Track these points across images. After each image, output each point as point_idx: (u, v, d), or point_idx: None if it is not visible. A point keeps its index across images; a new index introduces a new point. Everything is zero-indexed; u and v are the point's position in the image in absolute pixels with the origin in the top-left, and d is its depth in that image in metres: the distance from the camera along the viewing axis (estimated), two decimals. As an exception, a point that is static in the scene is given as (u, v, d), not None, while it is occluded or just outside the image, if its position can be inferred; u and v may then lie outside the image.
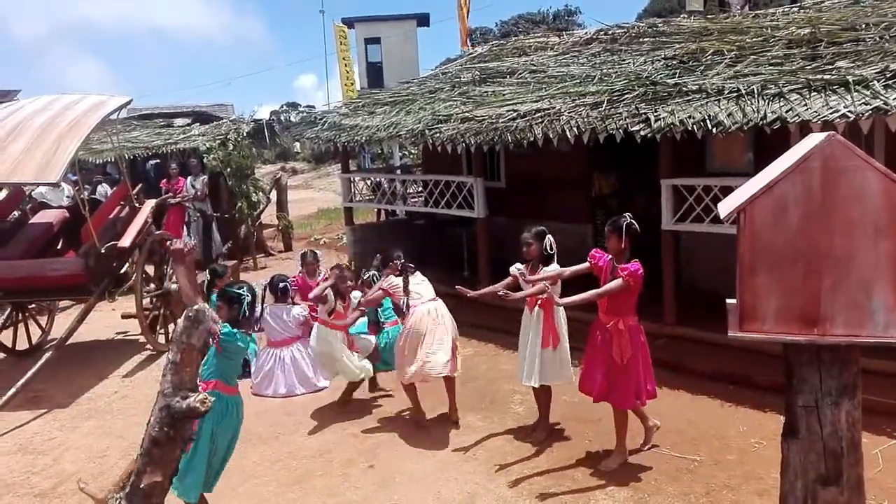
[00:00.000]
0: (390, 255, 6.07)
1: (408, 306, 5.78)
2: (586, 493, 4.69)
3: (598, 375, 4.99)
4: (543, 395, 5.59)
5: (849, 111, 5.45)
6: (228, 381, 4.10)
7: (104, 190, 12.03)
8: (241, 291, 4.19)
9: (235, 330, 3.95)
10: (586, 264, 5.09)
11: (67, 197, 10.22)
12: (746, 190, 2.61)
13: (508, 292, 5.13)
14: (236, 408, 4.14)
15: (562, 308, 5.34)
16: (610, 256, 4.91)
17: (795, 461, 2.59)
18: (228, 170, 12.74)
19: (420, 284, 5.95)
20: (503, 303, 5.38)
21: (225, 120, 15.70)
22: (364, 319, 7.47)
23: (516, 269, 5.52)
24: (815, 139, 2.49)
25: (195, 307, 2.81)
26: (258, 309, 4.27)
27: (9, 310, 8.35)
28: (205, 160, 12.84)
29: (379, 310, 7.43)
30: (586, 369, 5.16)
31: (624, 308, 4.85)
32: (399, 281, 5.85)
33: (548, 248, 5.35)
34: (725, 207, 2.69)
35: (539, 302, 5.36)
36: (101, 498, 3.32)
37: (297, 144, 26.77)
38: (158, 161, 14.09)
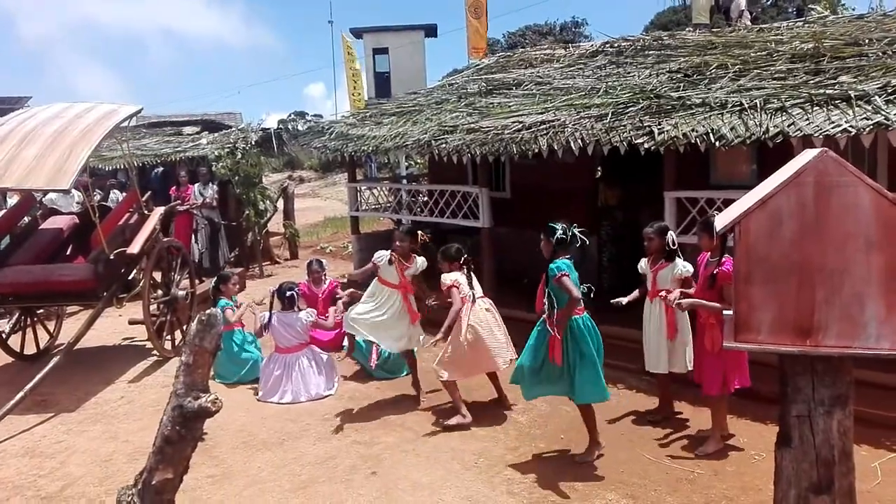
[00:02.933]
0: (451, 249, 6.46)
1: (473, 300, 6.20)
2: (586, 502, 4.73)
3: (702, 362, 5.40)
4: (664, 380, 6.03)
5: (850, 126, 5.51)
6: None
7: (116, 196, 12.15)
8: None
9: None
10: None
11: (77, 203, 10.34)
12: (742, 204, 2.68)
13: (681, 302, 5.26)
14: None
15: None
16: (707, 252, 5.32)
17: (789, 470, 2.64)
18: (237, 178, 12.85)
19: (474, 280, 6.44)
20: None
21: (233, 128, 15.84)
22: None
23: (642, 266, 6.01)
24: (808, 155, 2.56)
25: (207, 311, 2.89)
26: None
27: (17, 314, 8.44)
28: (213, 168, 12.97)
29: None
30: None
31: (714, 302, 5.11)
32: (463, 276, 6.29)
33: (670, 243, 5.74)
34: (722, 220, 2.75)
35: (661, 294, 5.77)
36: None
37: (304, 156, 26.90)
38: (164, 169, 14.21)
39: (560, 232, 5.28)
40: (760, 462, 5.11)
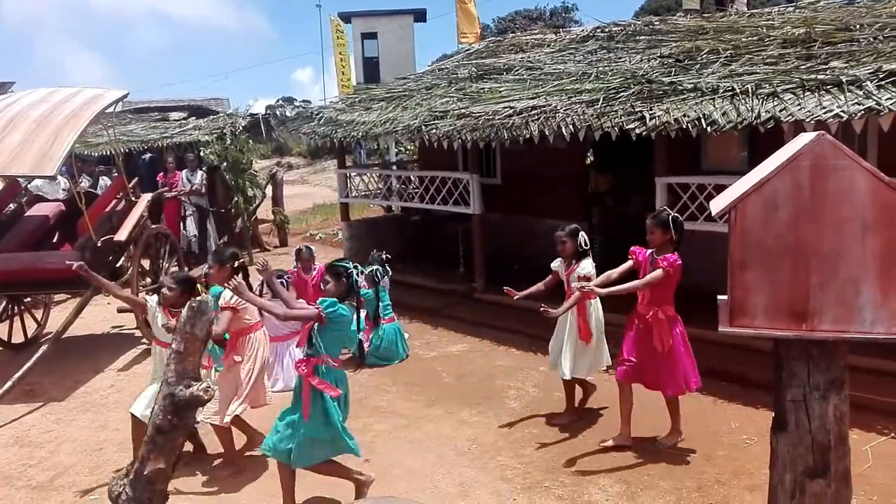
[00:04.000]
0: (225, 252, 5.48)
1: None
2: (579, 487, 4.75)
3: (645, 366, 5.16)
4: (571, 386, 5.83)
5: (842, 111, 5.50)
6: (335, 354, 4.39)
7: (105, 182, 12.02)
8: (347, 265, 4.43)
9: (334, 299, 4.22)
10: (629, 263, 5.22)
11: (63, 190, 10.22)
12: (738, 188, 2.66)
13: (549, 309, 5.13)
14: (344, 379, 4.52)
15: (598, 305, 5.65)
16: (650, 251, 5.08)
17: (784, 454, 2.64)
18: (225, 164, 12.75)
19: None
20: (554, 317, 5.40)
21: (221, 114, 15.69)
22: (361, 314, 7.53)
23: (556, 265, 5.75)
24: (805, 138, 2.54)
25: (198, 298, 2.85)
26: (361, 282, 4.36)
27: (4, 303, 8.35)
28: (202, 154, 12.86)
29: (380, 305, 7.50)
30: (628, 359, 5.25)
31: (662, 298, 5.02)
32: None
33: (582, 244, 5.56)
34: (717, 205, 2.74)
35: (574, 296, 5.50)
36: None
37: (293, 142, 26.74)
38: (152, 155, 14.08)
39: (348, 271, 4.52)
40: (752, 446, 5.14)
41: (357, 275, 4.43)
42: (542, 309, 5.17)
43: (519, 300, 5.67)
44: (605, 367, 5.83)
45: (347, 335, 4.47)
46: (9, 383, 6.43)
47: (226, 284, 4.80)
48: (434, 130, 8.54)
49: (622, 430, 5.32)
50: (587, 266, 5.50)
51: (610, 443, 5.30)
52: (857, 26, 7.22)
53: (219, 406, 5.12)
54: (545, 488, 4.76)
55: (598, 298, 5.49)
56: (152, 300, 5.20)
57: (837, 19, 7.65)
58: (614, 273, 5.22)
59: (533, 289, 5.74)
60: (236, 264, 5.22)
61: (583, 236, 5.58)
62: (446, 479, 4.94)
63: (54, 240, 8.48)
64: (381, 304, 7.55)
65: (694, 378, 5.15)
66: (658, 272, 4.88)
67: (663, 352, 5.03)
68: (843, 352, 2.60)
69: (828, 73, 6.12)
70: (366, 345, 7.35)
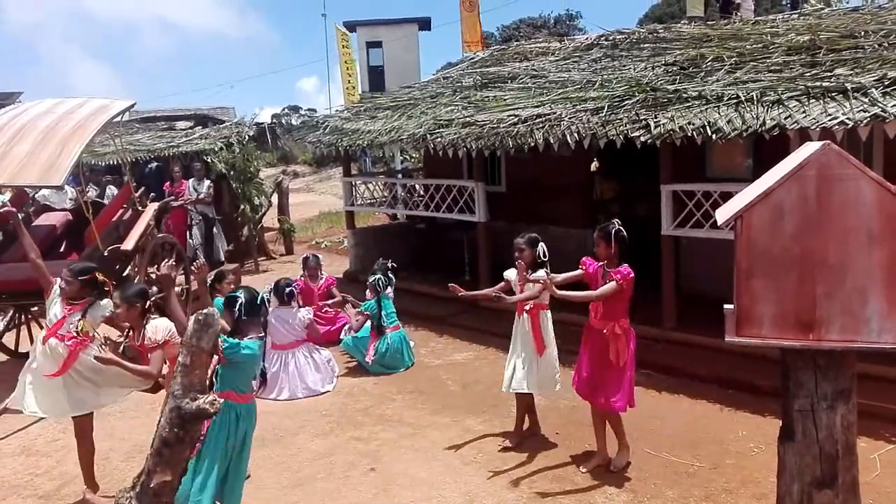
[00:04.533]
0: (132, 290, 5.05)
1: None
2: (586, 495, 4.73)
3: (597, 381, 5.00)
4: (523, 400, 5.63)
5: (847, 118, 5.50)
6: (240, 389, 4.08)
7: (111, 192, 12.07)
8: (235, 294, 4.17)
9: (236, 340, 3.92)
10: (579, 271, 5.09)
11: (70, 199, 10.26)
12: (744, 197, 2.66)
13: (502, 295, 5.15)
14: (247, 414, 4.12)
15: (549, 315, 5.47)
16: (600, 263, 4.94)
17: (791, 464, 2.64)
18: (232, 172, 12.80)
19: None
20: (504, 307, 5.38)
21: (227, 123, 15.75)
22: (367, 324, 7.56)
23: (509, 274, 5.57)
24: (810, 148, 2.54)
25: (204, 311, 2.86)
26: (264, 309, 4.20)
27: (11, 312, 8.38)
28: (209, 162, 12.91)
29: (383, 314, 7.51)
30: (580, 373, 5.16)
31: (617, 312, 4.90)
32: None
33: (541, 255, 5.36)
34: (723, 214, 2.74)
35: (527, 308, 5.41)
36: None
37: (298, 150, 26.83)
38: (158, 164, 14.13)
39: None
40: (759, 454, 5.12)
41: (266, 299, 4.17)
42: (494, 296, 5.27)
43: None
44: (556, 388, 5.62)
45: (252, 369, 4.18)
46: (16, 392, 6.44)
47: (97, 354, 4.55)
48: (439, 139, 8.57)
49: (598, 448, 5.19)
50: (541, 274, 5.12)
51: (587, 468, 5.11)
52: (862, 33, 7.22)
53: None
54: (552, 497, 4.74)
55: (549, 313, 5.45)
56: (56, 285, 4.94)
57: (842, 26, 7.65)
58: (559, 277, 5.08)
59: (481, 293, 5.74)
60: (147, 304, 4.83)
61: (542, 246, 5.37)
62: (452, 488, 4.93)
63: (62, 249, 8.51)
64: (384, 312, 7.54)
65: (631, 393, 5.01)
66: (611, 285, 4.76)
67: (616, 366, 4.87)
68: (851, 361, 2.59)
69: (833, 80, 6.12)
70: (370, 353, 7.36)
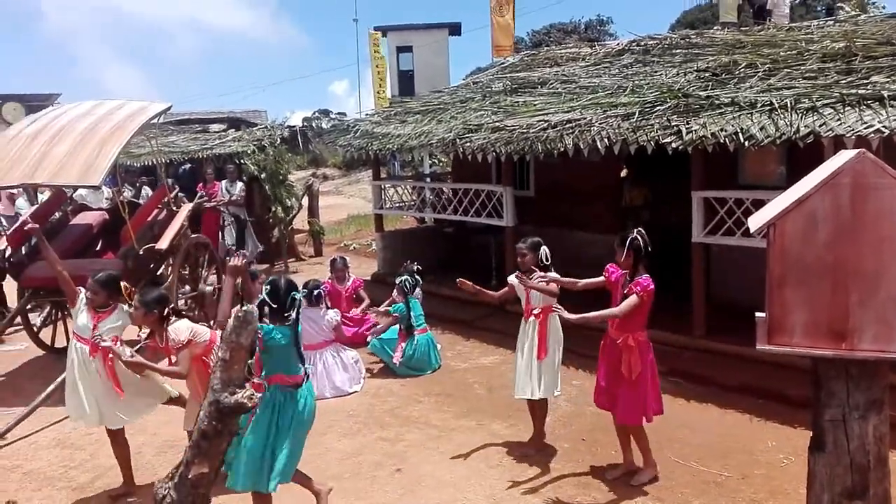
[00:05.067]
0: (152, 294, 4.87)
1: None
2: (612, 503, 4.72)
3: (613, 391, 4.95)
4: (539, 407, 5.60)
5: (883, 126, 5.43)
6: (288, 371, 4.27)
7: (146, 192, 12.31)
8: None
9: (270, 325, 4.12)
10: (601, 278, 5.04)
11: (107, 199, 10.48)
12: (777, 205, 2.65)
13: (570, 317, 4.82)
14: (298, 397, 4.26)
15: (558, 320, 5.36)
16: (623, 271, 4.85)
17: (822, 475, 2.61)
18: (264, 175, 12.98)
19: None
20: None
21: (259, 126, 15.96)
22: (395, 326, 7.61)
23: (513, 279, 5.50)
24: (845, 156, 2.52)
25: (244, 308, 2.93)
26: (293, 299, 4.28)
27: (48, 308, 8.59)
28: (242, 165, 13.10)
29: (412, 315, 7.56)
30: (598, 383, 5.11)
31: (634, 324, 4.79)
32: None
33: (543, 258, 5.35)
34: (756, 221, 2.73)
35: (535, 312, 5.39)
36: None
37: (328, 153, 27.04)
38: (192, 165, 14.37)
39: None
40: (789, 466, 5.06)
41: (269, 291, 4.26)
42: (459, 281, 5.54)
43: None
44: (554, 396, 5.61)
45: (290, 353, 4.31)
46: (52, 386, 6.59)
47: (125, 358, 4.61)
48: (468, 143, 8.60)
49: (624, 458, 5.14)
50: (553, 274, 5.24)
51: (613, 475, 5.08)
52: (900, 40, 7.11)
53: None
54: (576, 503, 4.74)
55: (556, 317, 5.25)
56: (83, 294, 5.05)
57: (879, 33, 7.54)
58: (580, 282, 5.10)
59: (488, 292, 5.77)
60: (166, 311, 4.75)
61: (544, 250, 5.36)
62: (477, 491, 4.95)
63: (98, 248, 8.71)
64: (412, 314, 7.61)
65: (655, 407, 4.93)
66: (632, 299, 4.66)
67: (629, 379, 4.79)
68: (885, 371, 2.56)
69: (869, 87, 6.04)
70: (398, 354, 7.41)
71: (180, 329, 4.68)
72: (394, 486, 5.08)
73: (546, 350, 5.35)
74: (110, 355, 4.74)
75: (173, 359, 4.63)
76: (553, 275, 5.23)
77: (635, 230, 4.86)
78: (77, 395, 5.07)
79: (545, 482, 5.04)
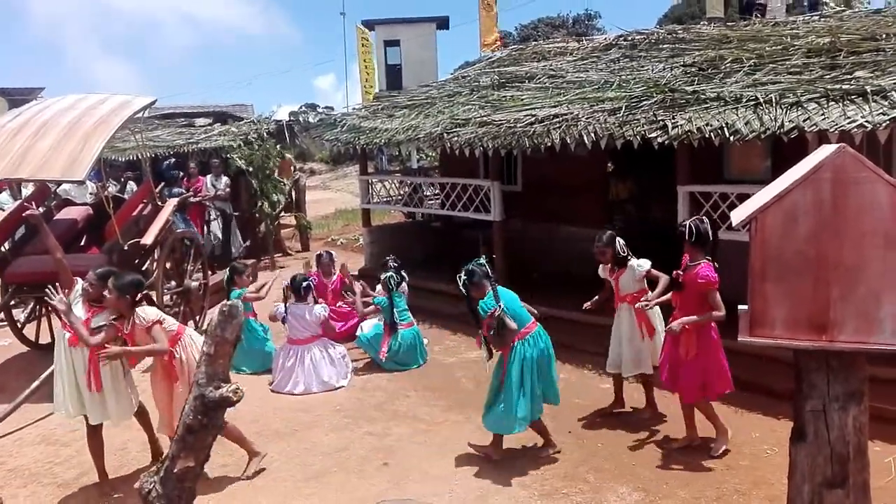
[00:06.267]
0: (125, 279, 4.95)
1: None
2: (598, 495, 4.75)
3: (677, 371, 5.24)
4: (643, 382, 6.03)
5: (866, 121, 5.47)
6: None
7: (132, 187, 12.22)
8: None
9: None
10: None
11: (91, 194, 10.41)
12: (759, 199, 2.67)
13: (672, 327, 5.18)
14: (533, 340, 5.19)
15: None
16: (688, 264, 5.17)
17: (803, 465, 2.65)
18: (251, 169, 12.91)
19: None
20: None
21: (245, 120, 15.88)
22: (379, 323, 7.61)
23: (602, 272, 6.00)
24: (826, 151, 2.55)
25: (229, 302, 2.92)
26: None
27: (32, 304, 8.52)
28: (228, 159, 13.03)
29: (395, 311, 7.55)
30: (663, 363, 5.42)
31: (692, 309, 5.07)
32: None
33: (620, 250, 5.77)
34: (738, 215, 2.75)
35: (628, 300, 5.80)
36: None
37: (315, 148, 26.97)
38: (177, 160, 14.26)
39: (469, 275, 5.17)
40: (772, 456, 5.11)
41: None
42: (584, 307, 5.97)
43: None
44: (650, 371, 5.89)
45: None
46: (36, 383, 6.55)
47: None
48: (456, 138, 8.59)
49: (688, 432, 5.39)
50: (639, 266, 5.75)
51: (677, 445, 5.39)
52: (883, 36, 7.17)
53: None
54: (563, 495, 4.77)
55: (647, 297, 5.71)
56: (79, 285, 5.05)
57: (863, 28, 7.60)
58: (653, 299, 5.61)
59: (598, 298, 6.08)
60: (138, 296, 4.83)
61: (620, 242, 5.77)
62: (465, 484, 4.97)
63: (82, 243, 8.63)
64: (396, 310, 7.57)
65: (720, 385, 5.18)
66: (714, 295, 5.00)
67: (686, 358, 5.09)
68: (863, 363, 2.59)
69: (853, 82, 6.08)
70: (384, 349, 7.41)
71: (148, 310, 4.77)
72: (381, 479, 5.09)
73: (653, 329, 5.79)
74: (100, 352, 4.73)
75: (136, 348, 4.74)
76: (645, 265, 5.75)
77: (694, 218, 5.24)
78: (60, 385, 5.06)
79: (532, 475, 5.07)
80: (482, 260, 5.36)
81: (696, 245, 5.05)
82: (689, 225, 5.06)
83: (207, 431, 2.80)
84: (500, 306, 5.04)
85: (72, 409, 5.07)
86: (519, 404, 5.13)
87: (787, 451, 2.89)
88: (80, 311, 4.98)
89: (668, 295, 5.39)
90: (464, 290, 5.17)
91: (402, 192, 11.57)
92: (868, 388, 2.63)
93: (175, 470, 2.75)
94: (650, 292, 5.76)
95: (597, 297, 6.07)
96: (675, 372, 5.23)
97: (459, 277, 5.14)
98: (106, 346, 4.72)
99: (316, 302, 7.37)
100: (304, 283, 7.26)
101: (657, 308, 5.77)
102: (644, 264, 5.78)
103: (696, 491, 4.75)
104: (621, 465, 5.15)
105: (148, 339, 4.76)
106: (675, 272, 5.15)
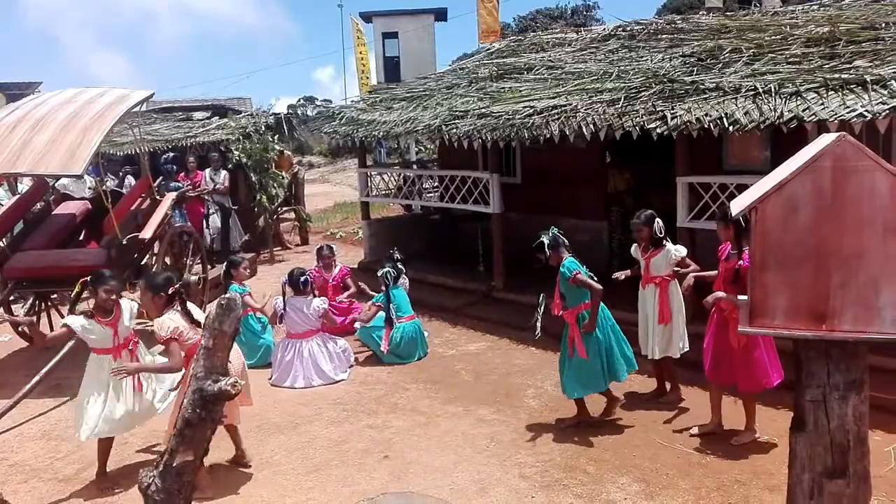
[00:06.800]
0: (157, 279, 5.08)
1: None
2: (598, 486, 4.76)
3: (722, 360, 5.22)
4: (666, 365, 6.10)
5: (866, 111, 5.46)
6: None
7: (130, 182, 12.20)
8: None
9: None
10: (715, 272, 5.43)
11: (90, 189, 10.39)
12: (758, 189, 2.66)
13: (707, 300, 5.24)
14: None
15: (677, 286, 5.88)
16: (727, 245, 5.25)
17: (803, 454, 2.64)
18: (249, 163, 12.88)
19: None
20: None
21: (244, 113, 15.83)
22: (381, 314, 7.60)
23: (634, 251, 6.11)
24: (826, 139, 2.54)
25: (227, 295, 2.92)
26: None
27: (32, 299, 8.51)
28: (227, 153, 12.99)
29: (392, 306, 7.54)
30: (706, 354, 5.39)
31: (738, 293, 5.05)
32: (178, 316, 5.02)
33: (657, 231, 5.83)
34: (737, 205, 2.74)
35: (656, 280, 5.90)
36: None
37: (314, 141, 26.93)
38: (175, 154, 14.23)
39: (553, 239, 5.58)
40: (772, 446, 5.11)
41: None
42: (614, 276, 6.03)
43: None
44: (678, 355, 5.98)
45: None
46: (36, 378, 6.54)
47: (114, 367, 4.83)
48: (454, 130, 8.58)
49: (713, 418, 5.43)
50: (676, 251, 5.85)
51: (695, 430, 5.45)
52: (883, 24, 7.15)
53: None
54: (563, 486, 4.77)
55: (676, 282, 5.88)
56: (77, 322, 4.97)
57: (862, 17, 7.58)
58: (699, 274, 5.65)
59: (630, 272, 6.15)
60: (170, 290, 4.85)
61: (658, 223, 5.85)
62: (465, 476, 4.97)
63: (81, 238, 8.62)
64: (393, 304, 7.53)
65: (775, 373, 5.19)
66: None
67: (738, 347, 5.09)
68: (863, 352, 2.59)
69: (852, 72, 6.07)
70: (384, 343, 7.40)
71: (163, 325, 4.70)
72: (381, 472, 5.10)
73: (669, 315, 5.87)
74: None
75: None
76: (682, 252, 5.87)
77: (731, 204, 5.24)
78: (109, 407, 4.99)
79: (533, 466, 5.07)
80: (555, 229, 5.73)
81: (741, 233, 5.04)
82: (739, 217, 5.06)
83: (206, 425, 2.80)
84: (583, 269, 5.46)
85: (130, 423, 5.13)
86: (611, 358, 5.57)
87: (787, 441, 2.89)
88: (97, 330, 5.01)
89: (709, 274, 5.52)
90: (545, 255, 5.58)
91: (401, 185, 11.55)
92: (868, 378, 2.62)
93: (174, 464, 2.75)
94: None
95: (629, 271, 6.16)
96: (727, 361, 5.19)
97: (539, 243, 5.60)
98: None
99: (315, 296, 7.36)
100: (302, 278, 7.24)
101: (680, 295, 5.88)
102: (681, 250, 5.90)
103: (696, 481, 4.75)
104: (621, 456, 5.16)
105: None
106: (733, 261, 5.10)
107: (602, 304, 5.53)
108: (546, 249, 5.55)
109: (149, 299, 4.82)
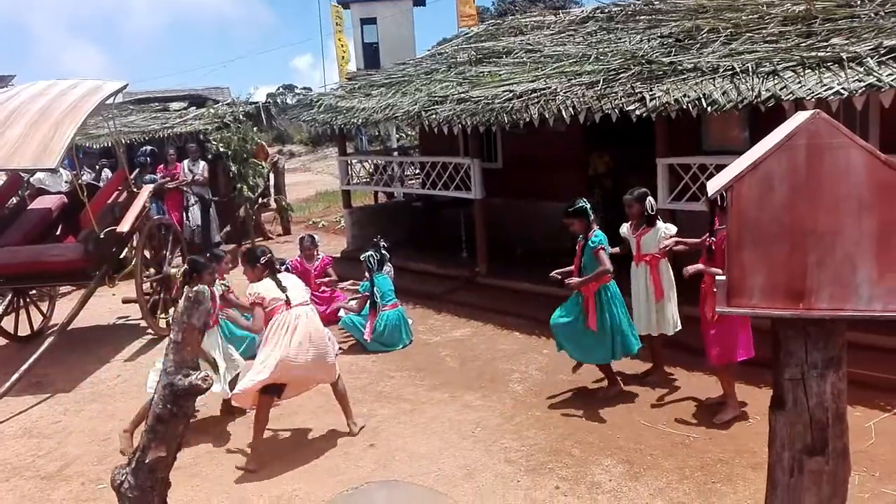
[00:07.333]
0: (255, 251, 5.70)
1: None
2: (583, 468, 4.78)
3: (705, 332, 5.37)
4: (658, 343, 6.19)
5: (843, 88, 5.48)
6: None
7: (107, 175, 12.03)
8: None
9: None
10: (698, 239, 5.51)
11: (66, 182, 10.24)
12: (734, 168, 2.65)
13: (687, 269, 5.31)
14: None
15: (668, 265, 5.99)
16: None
17: (783, 432, 2.65)
18: (229, 153, 12.73)
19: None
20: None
21: (221, 103, 15.65)
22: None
23: (623, 230, 6.13)
24: (800, 117, 2.53)
25: (195, 288, 2.87)
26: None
27: (10, 296, 8.40)
28: (205, 143, 12.84)
29: (377, 292, 7.52)
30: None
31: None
32: (271, 283, 5.50)
33: (648, 208, 5.88)
34: (713, 185, 2.73)
35: (647, 259, 5.94)
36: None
37: (294, 129, 26.70)
38: (152, 147, 14.04)
39: (589, 207, 5.68)
40: (754, 425, 5.16)
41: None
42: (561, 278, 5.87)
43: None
44: (672, 332, 6.06)
45: None
46: (16, 375, 6.49)
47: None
48: (434, 116, 8.53)
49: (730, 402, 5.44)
50: (665, 229, 5.89)
51: (721, 419, 5.35)
52: (858, 2, 7.16)
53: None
54: (549, 469, 4.79)
55: (667, 260, 5.96)
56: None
57: (838, -5, 7.58)
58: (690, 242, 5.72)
59: (619, 250, 6.14)
60: (264, 260, 5.43)
61: (650, 200, 5.90)
62: (451, 462, 4.98)
63: (57, 232, 8.51)
64: (377, 291, 7.52)
65: (742, 349, 5.25)
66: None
67: (711, 320, 5.17)
68: (841, 330, 2.59)
69: (828, 50, 6.09)
70: (368, 331, 7.38)
71: (252, 290, 5.35)
72: (367, 461, 5.09)
73: (662, 291, 5.94)
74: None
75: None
76: (674, 240, 5.80)
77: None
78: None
79: (518, 451, 5.09)
80: (584, 201, 5.81)
81: (716, 212, 5.15)
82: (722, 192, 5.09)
83: (178, 420, 2.77)
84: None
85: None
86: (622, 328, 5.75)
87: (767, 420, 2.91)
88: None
89: (691, 241, 5.62)
90: (578, 220, 5.70)
91: (381, 172, 11.48)
92: (848, 355, 2.63)
93: (147, 461, 2.71)
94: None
95: (617, 248, 6.18)
96: (705, 334, 5.33)
97: (581, 208, 5.70)
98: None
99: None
100: (283, 265, 7.16)
101: (670, 272, 5.96)
102: (671, 228, 5.94)
103: (679, 461, 4.78)
104: (606, 438, 5.18)
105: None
106: (705, 238, 5.22)
107: (615, 283, 5.73)
108: (586, 215, 5.66)
109: (250, 271, 5.47)
